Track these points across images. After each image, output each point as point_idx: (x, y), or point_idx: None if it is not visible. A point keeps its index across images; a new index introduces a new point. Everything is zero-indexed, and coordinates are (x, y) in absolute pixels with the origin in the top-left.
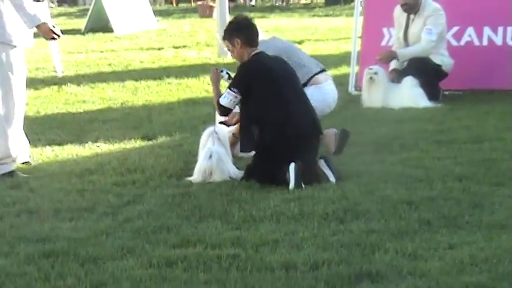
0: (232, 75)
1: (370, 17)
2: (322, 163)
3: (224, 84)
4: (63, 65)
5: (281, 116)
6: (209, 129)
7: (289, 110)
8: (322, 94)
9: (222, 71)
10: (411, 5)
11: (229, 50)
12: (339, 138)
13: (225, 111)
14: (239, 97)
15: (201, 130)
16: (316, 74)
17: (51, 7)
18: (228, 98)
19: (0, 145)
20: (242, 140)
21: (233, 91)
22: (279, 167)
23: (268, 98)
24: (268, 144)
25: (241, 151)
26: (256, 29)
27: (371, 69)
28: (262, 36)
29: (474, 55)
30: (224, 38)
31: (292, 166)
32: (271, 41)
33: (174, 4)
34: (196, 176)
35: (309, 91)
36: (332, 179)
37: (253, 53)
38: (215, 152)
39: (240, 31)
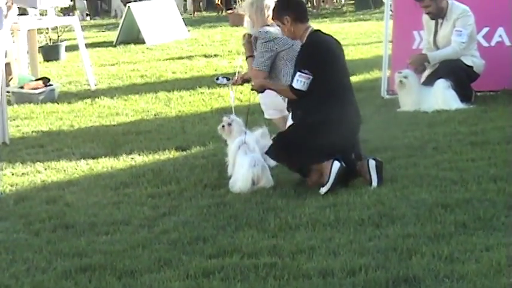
0: (229, 76)
1: (400, 21)
2: (372, 165)
3: (224, 86)
4: (96, 77)
5: (336, 101)
6: (239, 140)
7: (343, 96)
8: None
9: (217, 79)
10: (435, 12)
11: (279, 26)
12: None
13: (300, 94)
14: (311, 77)
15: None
16: None
17: (86, 20)
18: (300, 81)
19: None
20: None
21: (304, 72)
22: (315, 154)
23: (328, 82)
24: (316, 124)
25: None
26: (305, 6)
27: (400, 73)
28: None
29: (505, 55)
30: (273, 17)
31: (335, 165)
32: None
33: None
34: (242, 185)
35: None
36: (374, 183)
37: (308, 31)
38: (258, 160)
39: (289, 8)
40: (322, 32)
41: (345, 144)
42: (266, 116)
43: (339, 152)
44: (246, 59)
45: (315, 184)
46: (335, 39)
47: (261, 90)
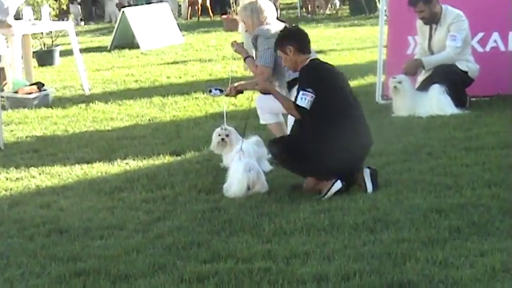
0: (223, 88)
1: (395, 26)
2: (367, 173)
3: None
4: (90, 82)
5: (345, 119)
6: (236, 148)
7: (352, 114)
8: None
9: (210, 91)
10: (428, 18)
11: (280, 58)
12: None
13: (303, 112)
14: (314, 96)
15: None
16: None
17: (80, 25)
18: (305, 98)
19: None
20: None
21: (308, 91)
22: (321, 169)
23: (334, 100)
24: (326, 139)
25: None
26: (308, 37)
27: (395, 78)
28: None
29: (500, 61)
30: (275, 49)
31: (337, 186)
32: None
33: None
34: (236, 189)
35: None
36: (369, 191)
37: (308, 59)
38: (253, 165)
39: (292, 38)
40: (321, 61)
41: (352, 165)
42: (262, 122)
43: (344, 170)
44: (244, 60)
45: (309, 190)
46: (334, 67)
47: (264, 92)
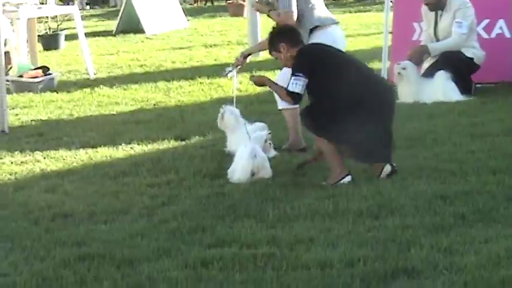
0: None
1: (400, 12)
2: (386, 170)
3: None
4: (95, 67)
5: (353, 85)
6: (240, 131)
7: (360, 80)
8: (330, 37)
9: (225, 72)
10: (434, 4)
11: (276, 58)
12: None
13: (297, 97)
14: (306, 80)
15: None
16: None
17: (85, 9)
18: (296, 83)
19: None
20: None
21: (298, 75)
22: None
23: (337, 74)
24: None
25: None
26: (297, 31)
27: (399, 64)
28: None
29: (506, 47)
30: (270, 51)
31: (347, 179)
32: None
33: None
34: (241, 175)
35: (316, 34)
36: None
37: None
38: (258, 151)
39: (283, 36)
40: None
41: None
42: (279, 107)
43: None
44: (268, 16)
45: (316, 154)
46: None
47: (259, 85)
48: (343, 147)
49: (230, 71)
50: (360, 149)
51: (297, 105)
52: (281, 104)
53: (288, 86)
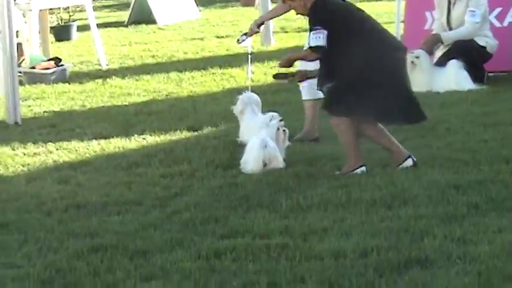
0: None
1: (412, 1)
2: (407, 163)
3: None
4: (108, 58)
5: (370, 44)
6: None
7: (375, 37)
8: None
9: (239, 41)
10: None
11: (291, 8)
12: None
13: (319, 50)
14: (325, 32)
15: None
16: None
17: (97, 0)
18: (317, 37)
19: None
20: (321, 78)
21: (317, 29)
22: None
23: (353, 29)
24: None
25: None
26: None
27: (412, 53)
28: None
29: None
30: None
31: (361, 169)
32: None
33: None
34: (253, 166)
35: None
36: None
37: None
38: (269, 141)
39: None
40: None
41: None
42: (303, 98)
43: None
44: None
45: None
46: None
47: (288, 64)
48: (370, 118)
49: (244, 40)
50: (386, 111)
51: (319, 97)
52: (305, 95)
53: (309, 42)
